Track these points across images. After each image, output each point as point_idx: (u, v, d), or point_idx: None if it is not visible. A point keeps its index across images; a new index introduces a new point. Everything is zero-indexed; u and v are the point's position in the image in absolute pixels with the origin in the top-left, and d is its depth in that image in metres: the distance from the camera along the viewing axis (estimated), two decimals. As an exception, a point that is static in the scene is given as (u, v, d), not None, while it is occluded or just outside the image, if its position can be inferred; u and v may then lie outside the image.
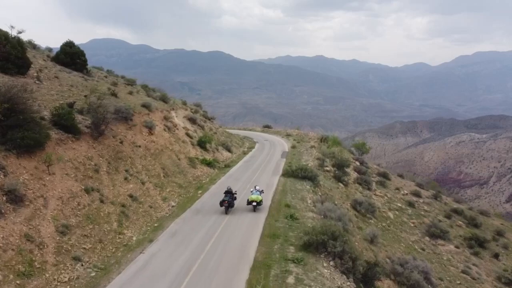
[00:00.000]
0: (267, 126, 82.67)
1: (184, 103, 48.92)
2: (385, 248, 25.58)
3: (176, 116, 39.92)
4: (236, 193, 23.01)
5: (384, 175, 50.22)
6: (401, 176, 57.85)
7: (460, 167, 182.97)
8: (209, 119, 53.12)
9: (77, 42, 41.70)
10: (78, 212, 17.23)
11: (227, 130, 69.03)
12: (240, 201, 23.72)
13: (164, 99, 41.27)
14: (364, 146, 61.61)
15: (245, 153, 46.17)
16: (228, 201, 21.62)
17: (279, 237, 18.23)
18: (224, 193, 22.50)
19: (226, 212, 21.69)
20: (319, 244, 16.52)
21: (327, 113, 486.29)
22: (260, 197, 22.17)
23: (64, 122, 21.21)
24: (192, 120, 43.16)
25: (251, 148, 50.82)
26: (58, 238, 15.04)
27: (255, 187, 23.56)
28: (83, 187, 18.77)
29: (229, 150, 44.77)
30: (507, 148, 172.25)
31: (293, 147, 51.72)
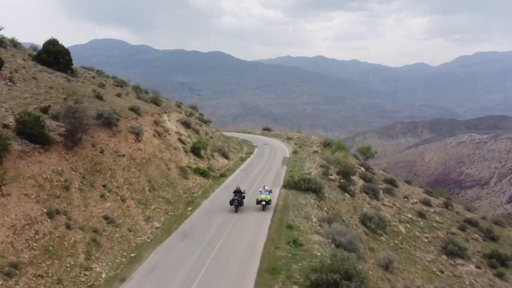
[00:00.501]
0: (267, 129, 77.78)
1: (178, 105, 45.48)
2: (402, 274, 22.43)
3: (169, 120, 36.80)
4: (244, 192, 23.82)
5: (391, 182, 46.92)
6: (408, 182, 54.83)
7: (461, 167, 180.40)
8: (205, 122, 49.83)
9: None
10: (35, 244, 14.07)
11: (225, 132, 65.27)
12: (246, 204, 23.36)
13: (156, 101, 38.09)
14: (369, 151, 58.29)
15: (243, 160, 42.92)
16: (238, 200, 22.71)
17: (280, 272, 15.06)
18: (234, 192, 23.45)
19: (236, 210, 22.57)
20: (330, 285, 13.40)
21: (327, 113, 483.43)
22: (269, 197, 22.95)
23: (30, 131, 18.09)
24: (186, 124, 39.99)
25: (249, 153, 47.54)
26: (0, 283, 11.91)
27: (264, 187, 24.25)
28: (45, 210, 15.63)
29: (225, 157, 41.71)
30: (508, 148, 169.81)
31: (295, 152, 48.19)
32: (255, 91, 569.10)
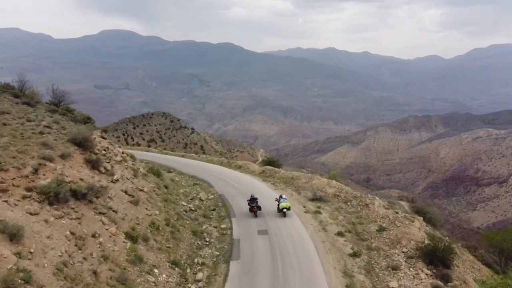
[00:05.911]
0: (272, 163, 41.27)
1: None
2: None
3: None
4: (257, 199, 25.04)
5: None
6: None
7: (478, 164, 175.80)
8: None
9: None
10: None
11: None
12: None
13: None
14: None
15: None
16: (257, 206, 24.41)
17: None
18: (250, 200, 24.69)
19: (256, 215, 24.17)
20: None
21: (338, 106, 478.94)
22: (288, 204, 24.52)
23: None
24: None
25: None
26: None
27: (281, 196, 25.44)
28: None
29: None
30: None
31: None
32: (265, 83, 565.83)
